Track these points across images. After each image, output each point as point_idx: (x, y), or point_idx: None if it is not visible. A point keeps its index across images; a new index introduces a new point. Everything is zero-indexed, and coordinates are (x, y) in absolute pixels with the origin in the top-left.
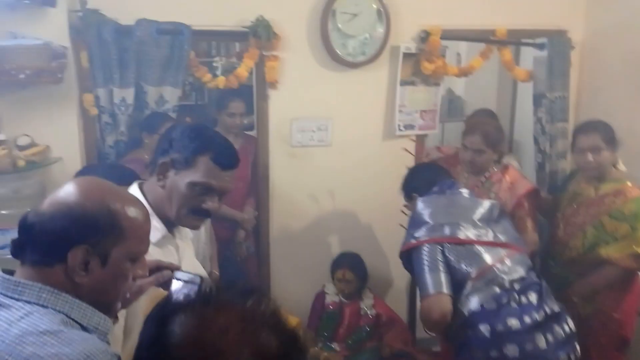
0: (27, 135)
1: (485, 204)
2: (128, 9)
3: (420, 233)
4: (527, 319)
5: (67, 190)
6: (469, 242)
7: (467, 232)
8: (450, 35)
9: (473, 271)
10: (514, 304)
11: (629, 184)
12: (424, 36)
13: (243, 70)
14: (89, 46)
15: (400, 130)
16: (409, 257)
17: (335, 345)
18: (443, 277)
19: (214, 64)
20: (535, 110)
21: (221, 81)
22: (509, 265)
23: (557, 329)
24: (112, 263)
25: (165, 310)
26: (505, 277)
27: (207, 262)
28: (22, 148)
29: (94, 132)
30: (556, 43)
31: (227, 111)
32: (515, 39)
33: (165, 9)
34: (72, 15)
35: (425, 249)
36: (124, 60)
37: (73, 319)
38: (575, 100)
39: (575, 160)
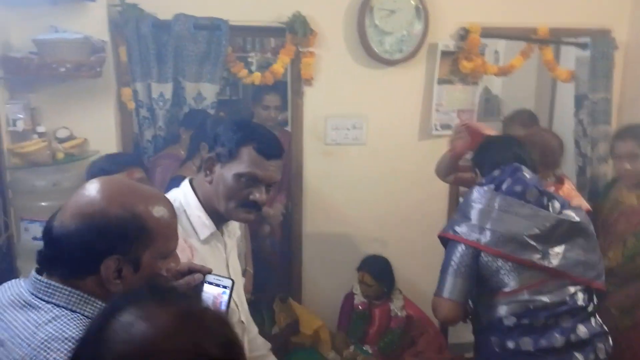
0: (66, 128)
1: (551, 219)
2: (166, 4)
3: (461, 229)
4: (544, 342)
5: (88, 198)
6: (506, 257)
7: (509, 244)
8: (490, 33)
9: (507, 286)
10: (536, 325)
11: None
12: (463, 34)
13: (279, 67)
14: (128, 41)
15: (436, 130)
16: (446, 242)
17: (367, 348)
18: (464, 284)
19: (249, 59)
20: (576, 111)
21: (257, 77)
22: (544, 290)
23: (578, 357)
24: (144, 266)
25: (113, 303)
26: (536, 301)
27: (242, 259)
28: (61, 140)
29: (132, 126)
30: (600, 43)
31: (262, 104)
32: (557, 38)
33: (202, 4)
34: (111, 10)
35: (460, 249)
36: (162, 55)
37: None
38: (618, 102)
39: (614, 166)
